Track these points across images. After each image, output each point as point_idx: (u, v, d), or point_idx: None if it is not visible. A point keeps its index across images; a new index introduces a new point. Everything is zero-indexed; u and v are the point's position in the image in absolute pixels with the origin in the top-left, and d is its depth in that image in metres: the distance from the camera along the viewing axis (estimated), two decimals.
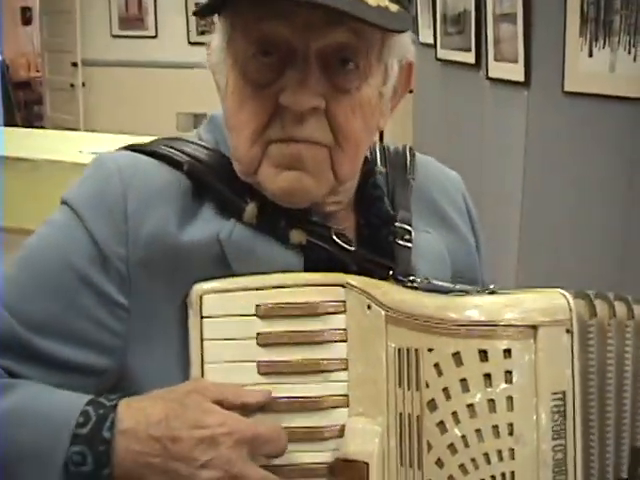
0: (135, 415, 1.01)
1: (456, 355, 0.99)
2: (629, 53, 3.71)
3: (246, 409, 1.03)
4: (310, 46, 1.03)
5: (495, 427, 1.00)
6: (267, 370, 1.05)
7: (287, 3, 0.99)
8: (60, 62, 9.90)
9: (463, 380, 0.99)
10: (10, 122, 9.86)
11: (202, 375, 1.07)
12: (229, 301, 1.06)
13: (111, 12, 9.62)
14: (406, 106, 7.46)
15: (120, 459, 0.99)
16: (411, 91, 5.43)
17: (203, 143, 1.19)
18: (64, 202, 1.14)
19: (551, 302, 1.03)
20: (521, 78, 4.38)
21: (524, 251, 4.56)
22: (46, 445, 1.00)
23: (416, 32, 6.84)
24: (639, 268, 3.88)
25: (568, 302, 1.02)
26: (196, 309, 1.06)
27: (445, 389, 0.99)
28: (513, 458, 1.00)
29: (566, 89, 4.09)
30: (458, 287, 1.13)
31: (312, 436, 1.05)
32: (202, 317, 1.06)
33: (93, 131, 7.86)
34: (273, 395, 1.05)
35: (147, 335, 1.11)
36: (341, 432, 1.04)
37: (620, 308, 1.05)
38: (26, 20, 12.01)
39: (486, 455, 1.00)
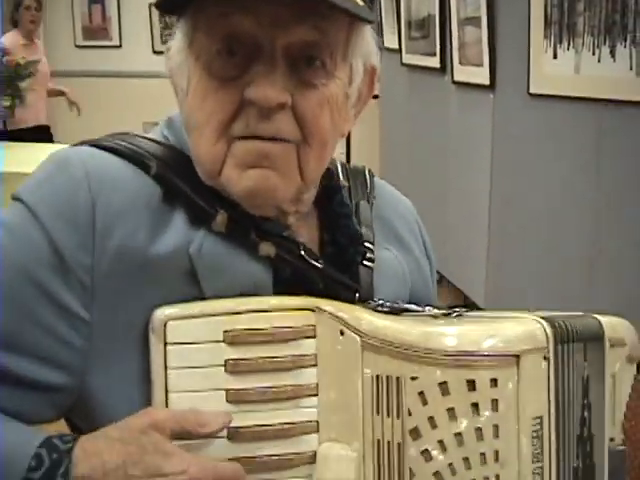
0: (91, 461, 0.95)
1: (443, 385, 0.98)
2: (593, 54, 3.73)
3: (208, 437, 0.98)
4: (276, 42, 1.02)
5: (482, 454, 1.00)
6: (236, 398, 1.01)
7: None
8: None
9: (450, 409, 0.98)
10: None
11: (166, 404, 1.02)
12: (195, 327, 1.02)
13: (74, 22, 9.55)
14: (372, 111, 7.48)
15: None
16: (376, 96, 5.43)
17: (170, 144, 1.15)
18: (20, 200, 1.08)
19: (529, 330, 1.03)
20: (486, 81, 4.39)
21: (493, 253, 4.57)
22: None
23: (381, 37, 6.86)
24: (608, 268, 3.90)
25: (544, 329, 1.03)
26: (159, 335, 1.02)
27: (431, 418, 0.98)
28: None
29: (531, 91, 4.11)
30: (427, 310, 1.12)
31: (282, 464, 1.02)
32: (166, 344, 1.02)
33: (59, 142, 7.79)
34: (242, 424, 1.02)
35: (108, 353, 1.05)
36: (312, 459, 1.02)
37: (566, 330, 1.07)
38: None
39: None
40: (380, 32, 6.81)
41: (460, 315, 1.10)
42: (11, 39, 6.55)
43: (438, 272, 5.50)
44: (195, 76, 1.07)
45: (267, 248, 1.09)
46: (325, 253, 1.19)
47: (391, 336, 1.00)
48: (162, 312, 1.02)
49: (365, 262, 1.19)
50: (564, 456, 1.07)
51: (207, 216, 1.08)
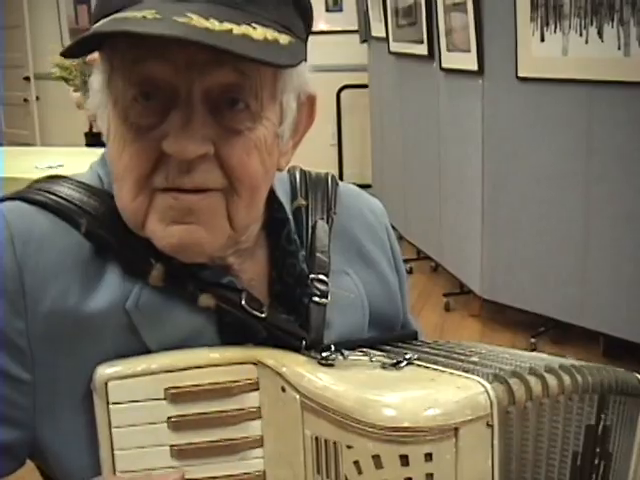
0: None
1: (376, 457, 0.94)
2: (581, 35, 3.72)
3: None
4: (194, 87, 0.95)
5: None
6: (180, 454, 1.01)
7: (165, 43, 0.90)
8: (12, 77, 9.80)
9: None
10: None
11: (113, 461, 1.01)
12: (136, 386, 1.00)
13: (61, 24, 9.52)
14: (363, 101, 7.47)
15: None
16: (365, 86, 5.44)
17: (104, 189, 1.10)
18: None
19: (471, 397, 0.97)
20: (474, 67, 4.38)
21: (487, 237, 4.57)
22: None
23: (368, 26, 6.85)
24: (601, 250, 3.89)
25: (488, 394, 0.97)
26: (102, 395, 1.00)
27: None
28: None
29: (520, 75, 4.10)
30: (374, 360, 1.06)
31: None
32: (108, 403, 1.00)
33: (50, 145, 7.76)
34: (189, 477, 1.01)
35: (54, 409, 1.02)
36: None
37: (536, 386, 1.01)
38: None
39: None
40: (367, 21, 6.80)
41: (411, 363, 1.05)
42: None
43: (434, 260, 5.49)
44: (113, 123, 1.01)
45: (206, 300, 1.05)
46: (274, 290, 1.15)
47: (329, 400, 0.96)
48: (103, 371, 1.01)
49: (316, 299, 1.13)
50: None
51: (142, 270, 1.04)
